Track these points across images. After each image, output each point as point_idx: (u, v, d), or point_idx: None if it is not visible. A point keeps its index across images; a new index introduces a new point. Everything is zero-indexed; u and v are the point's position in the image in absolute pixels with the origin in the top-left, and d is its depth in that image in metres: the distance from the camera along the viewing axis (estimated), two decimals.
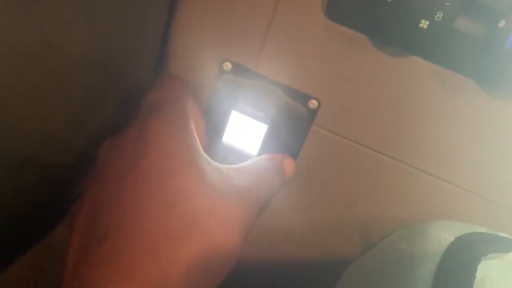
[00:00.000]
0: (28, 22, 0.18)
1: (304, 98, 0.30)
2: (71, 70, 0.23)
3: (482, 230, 0.27)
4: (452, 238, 0.25)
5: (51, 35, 0.20)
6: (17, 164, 0.22)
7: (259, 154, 0.31)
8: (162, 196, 0.22)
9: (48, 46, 0.20)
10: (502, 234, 0.27)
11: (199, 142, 0.26)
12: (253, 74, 0.31)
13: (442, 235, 0.26)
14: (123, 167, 0.23)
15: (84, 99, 0.25)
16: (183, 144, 0.24)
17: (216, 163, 0.25)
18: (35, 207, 0.26)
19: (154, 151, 0.23)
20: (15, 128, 0.21)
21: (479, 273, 0.23)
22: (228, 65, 0.31)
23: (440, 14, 0.25)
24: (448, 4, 0.25)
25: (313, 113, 0.30)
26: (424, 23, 0.25)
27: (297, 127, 0.31)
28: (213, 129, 0.31)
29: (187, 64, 0.31)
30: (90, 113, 0.26)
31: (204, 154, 0.25)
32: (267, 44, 0.30)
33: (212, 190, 0.23)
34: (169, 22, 0.31)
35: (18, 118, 0.21)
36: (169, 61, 0.32)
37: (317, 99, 0.30)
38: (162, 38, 0.31)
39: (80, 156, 0.27)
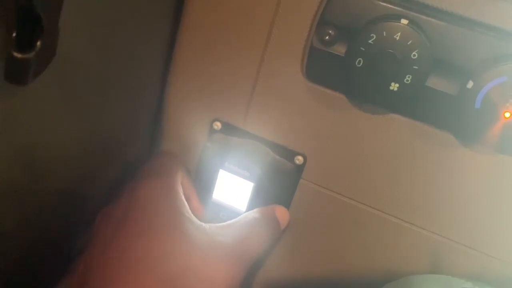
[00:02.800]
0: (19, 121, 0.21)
1: (290, 154, 0.31)
2: (68, 151, 0.25)
3: (469, 285, 0.27)
4: None
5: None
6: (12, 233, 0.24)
7: (248, 210, 0.32)
8: (142, 259, 0.23)
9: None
10: None
11: (185, 204, 0.27)
12: (242, 132, 0.32)
13: None
14: (111, 233, 0.25)
15: (84, 174, 0.28)
16: (167, 207, 0.26)
17: (201, 223, 0.27)
18: (36, 267, 0.28)
19: (139, 217, 0.25)
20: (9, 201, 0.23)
21: None
22: (218, 125, 0.32)
23: (409, 77, 0.26)
24: (416, 67, 0.26)
25: (299, 168, 0.31)
26: (394, 86, 0.26)
27: (285, 182, 0.32)
28: (204, 186, 0.32)
29: (181, 126, 0.33)
30: (89, 186, 0.28)
31: (189, 214, 0.27)
32: (253, 104, 0.31)
33: (194, 249, 0.25)
34: (163, 90, 0.33)
35: (15, 194, 0.23)
36: (165, 123, 0.34)
37: (303, 155, 0.31)
38: (157, 106, 0.33)
39: (81, 227, 0.29)
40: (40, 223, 0.25)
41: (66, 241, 0.29)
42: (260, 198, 0.32)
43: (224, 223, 0.28)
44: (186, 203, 0.28)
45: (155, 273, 0.23)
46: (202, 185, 0.33)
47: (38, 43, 0.16)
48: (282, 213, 0.32)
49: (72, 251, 0.30)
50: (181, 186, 0.29)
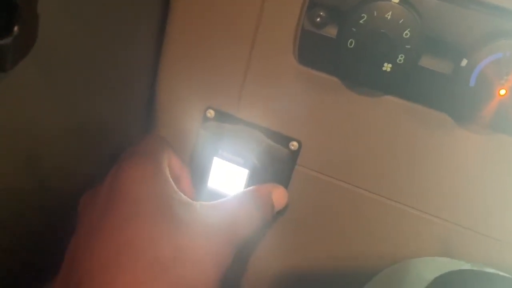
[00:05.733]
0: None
1: (285, 140, 0.31)
2: (59, 132, 0.25)
3: (466, 266, 0.27)
4: (431, 277, 0.25)
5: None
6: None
7: None
8: (130, 244, 0.23)
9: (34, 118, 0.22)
10: (487, 270, 0.26)
11: (171, 184, 0.26)
12: (235, 119, 0.32)
13: (422, 274, 0.26)
14: (95, 221, 0.24)
15: (73, 156, 0.27)
16: (154, 189, 0.25)
17: (191, 201, 0.26)
18: (22, 265, 0.27)
19: (124, 200, 0.24)
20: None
21: None
22: (211, 113, 0.32)
23: (402, 57, 0.25)
24: (409, 46, 0.25)
25: (294, 154, 0.31)
26: (387, 66, 0.26)
27: (280, 169, 0.31)
28: (199, 175, 0.32)
29: (174, 115, 0.33)
30: (77, 172, 0.28)
31: (176, 195, 0.26)
32: (245, 90, 0.31)
33: (183, 230, 0.24)
34: (154, 79, 0.33)
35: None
36: (157, 113, 0.33)
37: (297, 141, 0.31)
38: (149, 95, 0.33)
39: (68, 210, 0.28)
40: (25, 217, 0.25)
41: (54, 236, 0.29)
42: (256, 184, 0.31)
43: (216, 202, 0.27)
44: (172, 182, 0.27)
45: (145, 259, 0.23)
46: (197, 173, 0.32)
47: (15, 28, 0.15)
48: (279, 195, 0.31)
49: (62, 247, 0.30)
50: (167, 166, 0.28)
